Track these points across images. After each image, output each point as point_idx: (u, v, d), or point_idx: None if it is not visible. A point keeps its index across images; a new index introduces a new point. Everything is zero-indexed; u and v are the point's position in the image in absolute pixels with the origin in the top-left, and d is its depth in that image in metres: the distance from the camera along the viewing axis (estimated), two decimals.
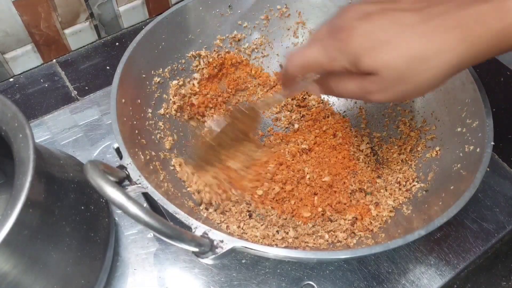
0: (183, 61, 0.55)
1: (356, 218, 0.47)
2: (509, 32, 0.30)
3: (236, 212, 0.47)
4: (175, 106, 0.53)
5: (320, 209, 0.48)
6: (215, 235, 0.34)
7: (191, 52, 0.55)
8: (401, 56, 0.32)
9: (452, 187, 0.42)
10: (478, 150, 0.42)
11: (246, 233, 0.45)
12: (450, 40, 0.31)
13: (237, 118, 0.50)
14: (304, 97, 0.59)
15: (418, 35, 0.32)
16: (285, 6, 0.58)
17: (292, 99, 0.59)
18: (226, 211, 0.48)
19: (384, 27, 0.33)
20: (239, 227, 0.46)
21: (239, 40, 0.58)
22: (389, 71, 0.33)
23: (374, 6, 0.35)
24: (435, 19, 0.32)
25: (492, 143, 0.41)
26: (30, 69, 0.64)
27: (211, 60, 0.56)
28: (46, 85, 0.62)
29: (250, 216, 0.47)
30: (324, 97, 0.60)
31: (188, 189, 0.48)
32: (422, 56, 0.32)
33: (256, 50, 0.59)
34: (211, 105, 0.56)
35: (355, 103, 0.58)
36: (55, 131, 0.57)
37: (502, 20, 0.30)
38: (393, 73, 0.33)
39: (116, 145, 0.55)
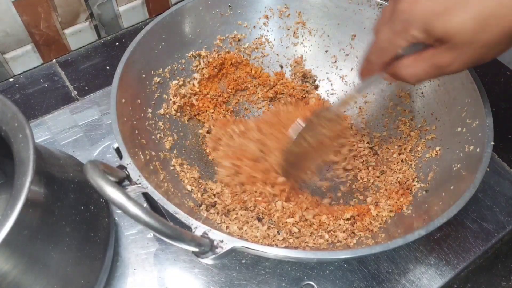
0: (183, 61, 0.55)
1: (356, 218, 0.47)
2: None
3: (241, 215, 0.47)
4: (175, 106, 0.53)
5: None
6: (215, 235, 0.34)
7: (191, 52, 0.55)
8: (474, 17, 0.30)
9: (452, 187, 0.42)
10: (478, 150, 0.42)
11: (247, 233, 0.45)
12: None
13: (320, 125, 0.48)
14: (303, 96, 0.59)
15: None
16: (285, 6, 0.58)
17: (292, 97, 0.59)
18: (230, 211, 0.47)
19: None
20: (240, 228, 0.46)
21: (239, 40, 0.58)
22: (463, 35, 0.31)
23: None
24: None
25: (492, 143, 0.41)
26: (30, 69, 0.64)
27: (211, 60, 0.56)
28: (46, 85, 0.62)
29: (260, 221, 0.47)
30: (324, 96, 0.60)
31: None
32: (497, 13, 0.30)
33: (256, 50, 0.59)
34: (211, 106, 0.56)
35: (355, 102, 0.58)
36: (55, 131, 0.57)
37: None
38: (468, 37, 0.31)
39: (116, 145, 0.55)
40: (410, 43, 0.34)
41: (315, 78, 0.60)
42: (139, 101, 0.48)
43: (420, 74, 0.35)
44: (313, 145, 0.48)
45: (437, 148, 0.48)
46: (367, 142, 0.55)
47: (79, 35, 0.65)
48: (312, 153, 0.50)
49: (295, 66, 0.60)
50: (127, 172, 0.38)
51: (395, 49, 0.36)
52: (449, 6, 0.31)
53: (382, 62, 0.38)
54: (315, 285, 0.45)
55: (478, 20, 0.30)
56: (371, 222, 0.46)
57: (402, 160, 0.51)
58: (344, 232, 0.46)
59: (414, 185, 0.47)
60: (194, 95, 0.55)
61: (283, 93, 0.59)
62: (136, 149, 0.43)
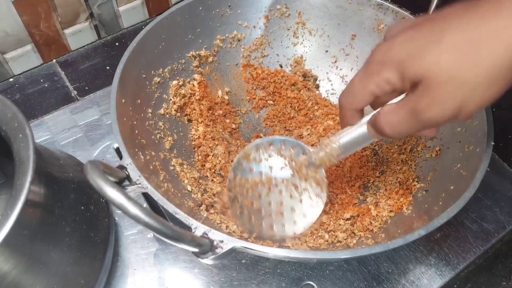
0: (183, 61, 0.55)
1: (356, 218, 0.47)
2: None
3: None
4: (175, 106, 0.52)
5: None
6: (215, 235, 0.34)
7: (191, 52, 0.55)
8: (447, 53, 0.27)
9: (452, 187, 0.42)
10: (478, 150, 0.42)
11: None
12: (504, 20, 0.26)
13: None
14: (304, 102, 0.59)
15: (459, 25, 0.28)
16: (285, 6, 0.58)
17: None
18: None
19: (424, 29, 0.29)
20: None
21: (239, 40, 0.58)
22: (438, 73, 0.28)
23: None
24: (477, 4, 0.28)
25: (492, 143, 0.41)
26: (30, 69, 0.64)
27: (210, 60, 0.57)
28: (46, 85, 0.62)
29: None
30: (324, 95, 0.60)
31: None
32: (473, 47, 0.27)
33: (256, 50, 0.59)
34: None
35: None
36: (55, 131, 0.57)
37: None
38: (443, 74, 0.27)
39: (116, 145, 0.55)
40: (385, 91, 0.32)
41: (316, 77, 0.60)
42: (139, 101, 0.48)
43: (399, 123, 0.32)
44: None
45: (437, 148, 0.48)
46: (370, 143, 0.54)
47: (79, 35, 0.65)
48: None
49: (295, 66, 0.60)
50: (127, 172, 0.38)
51: (366, 93, 0.33)
52: (423, 45, 0.28)
53: (354, 109, 0.36)
54: (315, 285, 0.45)
55: (454, 56, 0.27)
56: (371, 222, 0.46)
57: (402, 160, 0.51)
58: (344, 232, 0.46)
59: (414, 185, 0.47)
60: (194, 95, 0.55)
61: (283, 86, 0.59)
62: (136, 149, 0.43)
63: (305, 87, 0.59)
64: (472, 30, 0.27)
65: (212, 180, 0.50)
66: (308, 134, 0.56)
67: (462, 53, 0.27)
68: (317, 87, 0.60)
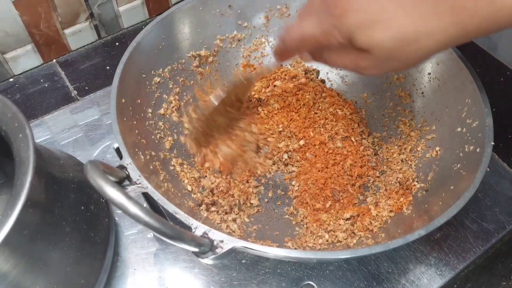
0: (183, 61, 0.55)
1: (356, 218, 0.47)
2: (499, 16, 0.31)
3: (225, 205, 0.47)
4: (175, 106, 0.52)
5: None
6: (215, 235, 0.34)
7: (191, 52, 0.55)
8: (394, 37, 0.33)
9: (452, 187, 0.42)
10: (478, 150, 0.42)
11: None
12: (442, 23, 0.32)
13: (234, 88, 0.51)
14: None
15: (411, 16, 0.33)
16: (285, 6, 0.58)
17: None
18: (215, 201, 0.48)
19: (379, 3, 0.33)
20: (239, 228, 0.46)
21: (239, 40, 0.58)
22: (381, 50, 0.34)
23: None
24: (428, 2, 0.32)
25: (492, 143, 0.41)
26: (30, 69, 0.64)
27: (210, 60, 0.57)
28: (46, 85, 0.63)
29: (239, 208, 0.48)
30: None
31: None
32: (414, 37, 0.33)
33: (256, 50, 0.59)
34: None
35: (355, 102, 0.58)
36: (55, 131, 0.57)
37: (493, 4, 0.31)
38: (385, 52, 0.34)
39: (116, 145, 0.55)
40: (326, 44, 0.37)
41: (318, 70, 0.60)
42: (139, 101, 0.48)
43: (341, 65, 0.39)
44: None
45: (437, 148, 0.48)
46: (371, 142, 0.54)
47: (79, 35, 0.65)
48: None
49: (295, 66, 0.60)
50: (127, 172, 0.38)
51: (315, 45, 0.38)
52: (374, 21, 0.33)
53: (298, 50, 0.42)
54: (315, 285, 0.45)
55: (395, 40, 0.33)
56: (371, 222, 0.46)
57: (402, 160, 0.51)
58: (344, 232, 0.46)
59: (414, 185, 0.47)
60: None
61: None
62: (136, 149, 0.43)
63: (308, 79, 0.59)
64: (412, 21, 0.33)
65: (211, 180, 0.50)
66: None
67: (402, 39, 0.33)
68: (323, 82, 0.59)
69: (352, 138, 0.54)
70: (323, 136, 0.54)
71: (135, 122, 0.46)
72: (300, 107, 0.55)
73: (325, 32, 0.36)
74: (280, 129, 0.54)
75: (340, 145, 0.53)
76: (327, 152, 0.52)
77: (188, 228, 0.35)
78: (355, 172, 0.51)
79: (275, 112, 0.55)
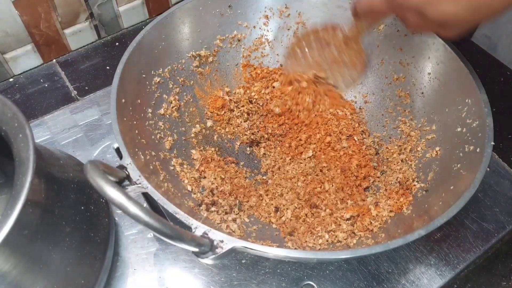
0: (183, 61, 0.55)
1: (356, 218, 0.47)
2: None
3: (225, 205, 0.47)
4: (175, 106, 0.52)
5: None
6: (215, 235, 0.34)
7: (191, 52, 0.55)
8: (467, 7, 0.34)
9: (452, 187, 0.42)
10: (478, 150, 0.42)
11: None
12: None
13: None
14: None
15: None
16: (285, 6, 0.58)
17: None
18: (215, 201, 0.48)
19: None
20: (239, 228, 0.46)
21: (239, 40, 0.58)
22: (453, 22, 0.35)
23: None
24: None
25: (492, 143, 0.41)
26: (30, 69, 0.64)
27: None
28: (46, 85, 0.62)
29: (240, 208, 0.48)
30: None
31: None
32: (485, 3, 0.34)
33: (256, 50, 0.59)
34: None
35: (355, 103, 0.58)
36: (55, 131, 0.57)
37: None
38: (456, 23, 0.36)
39: (116, 145, 0.55)
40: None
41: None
42: (139, 101, 0.48)
43: (421, 31, 0.44)
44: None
45: (437, 148, 0.48)
46: (371, 142, 0.54)
47: (79, 35, 0.65)
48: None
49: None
50: (127, 172, 0.38)
51: (383, 16, 0.43)
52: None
53: (364, 16, 0.46)
54: (315, 285, 0.45)
55: (468, 10, 0.35)
56: (371, 222, 0.46)
57: (402, 160, 0.51)
58: (344, 232, 0.46)
59: (414, 185, 0.47)
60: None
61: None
62: (136, 149, 0.43)
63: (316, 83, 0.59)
64: None
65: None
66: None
67: (474, 9, 0.34)
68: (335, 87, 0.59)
69: (355, 137, 0.54)
70: (330, 136, 0.54)
71: (135, 122, 0.46)
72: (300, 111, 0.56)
73: (394, 8, 0.39)
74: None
75: (346, 145, 0.53)
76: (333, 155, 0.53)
77: (188, 228, 0.35)
78: (361, 173, 0.51)
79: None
